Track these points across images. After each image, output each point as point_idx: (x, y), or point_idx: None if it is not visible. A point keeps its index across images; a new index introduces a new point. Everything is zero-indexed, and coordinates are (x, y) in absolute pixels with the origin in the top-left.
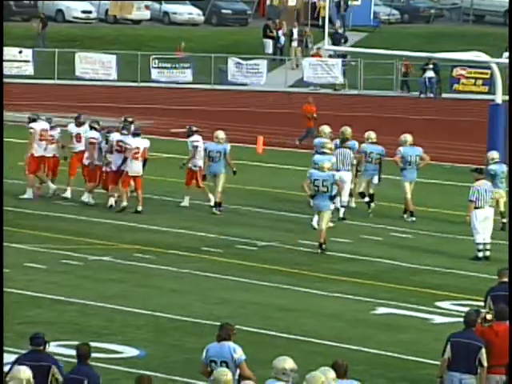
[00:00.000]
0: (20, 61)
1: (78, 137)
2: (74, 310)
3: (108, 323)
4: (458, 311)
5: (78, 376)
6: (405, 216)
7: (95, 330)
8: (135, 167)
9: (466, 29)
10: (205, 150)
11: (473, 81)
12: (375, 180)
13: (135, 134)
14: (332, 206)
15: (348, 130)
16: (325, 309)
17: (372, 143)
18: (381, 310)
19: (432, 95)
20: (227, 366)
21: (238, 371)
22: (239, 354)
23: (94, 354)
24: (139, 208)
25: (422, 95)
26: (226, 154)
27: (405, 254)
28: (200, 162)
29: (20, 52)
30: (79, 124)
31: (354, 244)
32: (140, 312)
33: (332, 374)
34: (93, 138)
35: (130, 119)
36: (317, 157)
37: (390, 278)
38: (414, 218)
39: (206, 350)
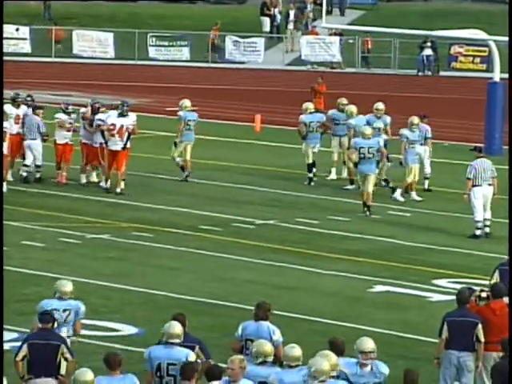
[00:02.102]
0: (17, 38)
1: (18, 118)
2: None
3: (106, 301)
4: (455, 289)
5: (185, 343)
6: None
7: (94, 308)
8: (112, 144)
9: (465, 6)
10: (186, 119)
11: (471, 59)
12: (316, 148)
13: (119, 114)
14: (377, 170)
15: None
16: (322, 287)
17: (310, 113)
18: (378, 288)
19: (430, 73)
20: None
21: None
22: (278, 335)
23: (92, 332)
24: (118, 189)
25: (420, 73)
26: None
27: (402, 232)
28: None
29: (17, 30)
30: (18, 105)
31: (351, 222)
32: (138, 290)
33: (333, 358)
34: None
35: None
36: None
37: (387, 256)
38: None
39: (243, 327)
